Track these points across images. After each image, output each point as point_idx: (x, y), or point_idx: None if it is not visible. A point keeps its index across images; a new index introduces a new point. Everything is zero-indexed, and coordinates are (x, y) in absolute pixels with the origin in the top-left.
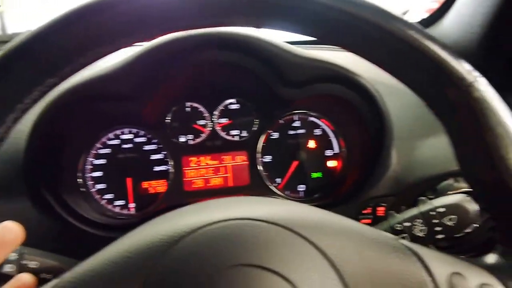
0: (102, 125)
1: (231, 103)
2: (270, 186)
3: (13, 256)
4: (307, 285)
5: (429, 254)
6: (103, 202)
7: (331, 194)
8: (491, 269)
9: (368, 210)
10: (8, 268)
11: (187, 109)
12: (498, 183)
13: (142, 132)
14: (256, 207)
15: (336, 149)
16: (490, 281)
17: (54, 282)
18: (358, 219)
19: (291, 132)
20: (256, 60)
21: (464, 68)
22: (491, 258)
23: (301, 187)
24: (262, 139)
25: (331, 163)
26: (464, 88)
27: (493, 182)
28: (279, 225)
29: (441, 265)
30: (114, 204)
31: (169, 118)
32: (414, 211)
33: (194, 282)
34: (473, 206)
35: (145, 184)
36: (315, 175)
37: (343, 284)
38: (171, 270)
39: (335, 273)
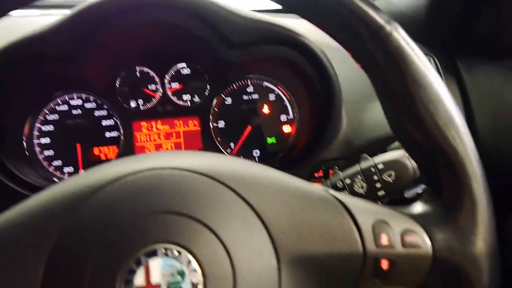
0: (47, 89)
1: (182, 68)
2: (223, 152)
3: None
4: (231, 233)
5: (354, 203)
6: (51, 169)
7: (285, 158)
8: (415, 217)
9: (320, 173)
10: None
11: (137, 73)
12: (423, 133)
13: (92, 98)
14: (181, 158)
15: (291, 114)
16: (413, 227)
17: None
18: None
19: (245, 97)
20: (198, 21)
21: (383, 18)
22: (416, 207)
23: (256, 152)
24: (214, 104)
25: (285, 128)
26: (384, 38)
27: (418, 132)
28: (203, 174)
29: (366, 213)
30: (63, 171)
31: (119, 83)
32: (355, 168)
33: (113, 228)
34: (412, 162)
35: (95, 150)
36: (269, 140)
37: (268, 234)
38: (90, 217)
39: (260, 223)
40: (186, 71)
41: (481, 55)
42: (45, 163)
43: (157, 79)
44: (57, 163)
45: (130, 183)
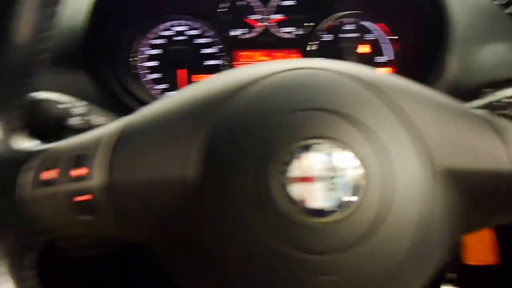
0: (156, 11)
1: None
2: None
3: (81, 110)
4: (389, 135)
5: (505, 124)
6: (154, 92)
7: None
8: None
9: None
10: (76, 121)
11: (240, 2)
12: None
13: (196, 25)
14: (333, 63)
15: (391, 55)
16: None
17: (122, 122)
18: None
19: (344, 35)
20: None
21: None
22: None
23: None
24: (315, 39)
25: (384, 70)
26: None
27: None
28: (356, 78)
29: None
30: (164, 94)
31: (221, 11)
32: (474, 104)
33: (266, 122)
34: None
35: (195, 78)
36: None
37: (423, 142)
38: (243, 110)
39: (415, 130)
40: (289, 2)
41: None
42: (148, 86)
43: (259, 9)
44: (161, 86)
45: (281, 80)
